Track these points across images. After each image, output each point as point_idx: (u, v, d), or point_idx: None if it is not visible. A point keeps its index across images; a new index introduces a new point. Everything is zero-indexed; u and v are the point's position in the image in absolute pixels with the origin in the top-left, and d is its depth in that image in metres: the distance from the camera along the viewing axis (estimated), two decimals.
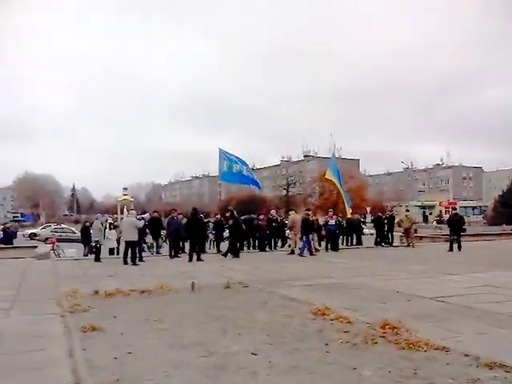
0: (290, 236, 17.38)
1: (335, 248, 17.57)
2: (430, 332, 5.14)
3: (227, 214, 16.42)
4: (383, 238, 20.26)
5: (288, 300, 7.27)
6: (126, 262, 13.03)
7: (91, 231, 17.74)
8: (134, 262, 12.99)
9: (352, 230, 20.32)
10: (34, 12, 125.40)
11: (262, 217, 18.18)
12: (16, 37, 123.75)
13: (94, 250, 14.43)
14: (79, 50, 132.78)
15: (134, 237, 13.11)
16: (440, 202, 79.06)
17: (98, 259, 14.10)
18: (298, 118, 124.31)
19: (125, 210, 35.61)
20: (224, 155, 17.10)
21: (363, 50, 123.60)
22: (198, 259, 13.82)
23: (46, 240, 26.77)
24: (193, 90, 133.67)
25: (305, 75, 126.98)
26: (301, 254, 15.40)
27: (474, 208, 79.78)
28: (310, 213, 17.01)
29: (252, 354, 4.44)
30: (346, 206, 20.58)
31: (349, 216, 20.26)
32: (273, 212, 19.17)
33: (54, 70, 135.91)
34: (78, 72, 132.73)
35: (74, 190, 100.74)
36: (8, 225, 22.92)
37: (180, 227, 14.83)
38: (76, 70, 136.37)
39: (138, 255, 13.41)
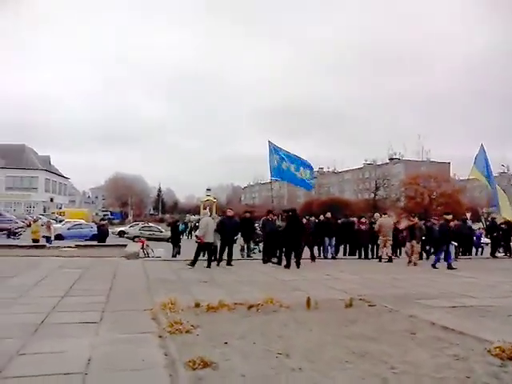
0: (379, 242, 15.12)
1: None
2: None
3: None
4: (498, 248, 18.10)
5: (441, 330, 5.48)
6: (209, 265, 12.20)
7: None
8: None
9: (462, 239, 17.75)
10: (129, 18, 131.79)
11: (363, 220, 16.31)
12: (110, 43, 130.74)
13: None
14: (169, 54, 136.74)
15: (212, 238, 12.46)
16: None
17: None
18: (384, 122, 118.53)
19: (207, 209, 35.33)
20: (274, 149, 15.52)
21: (453, 50, 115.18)
22: (297, 266, 12.35)
23: (134, 238, 26.83)
24: (276, 93, 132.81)
25: (390, 78, 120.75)
26: (434, 266, 13.32)
27: None
28: (449, 217, 13.98)
29: None
30: (507, 207, 18.25)
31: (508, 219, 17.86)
32: (376, 215, 17.14)
33: (144, 73, 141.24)
34: (168, 75, 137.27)
35: (159, 190, 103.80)
36: (103, 223, 23.11)
37: (275, 229, 13.41)
38: (166, 73, 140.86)
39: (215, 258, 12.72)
